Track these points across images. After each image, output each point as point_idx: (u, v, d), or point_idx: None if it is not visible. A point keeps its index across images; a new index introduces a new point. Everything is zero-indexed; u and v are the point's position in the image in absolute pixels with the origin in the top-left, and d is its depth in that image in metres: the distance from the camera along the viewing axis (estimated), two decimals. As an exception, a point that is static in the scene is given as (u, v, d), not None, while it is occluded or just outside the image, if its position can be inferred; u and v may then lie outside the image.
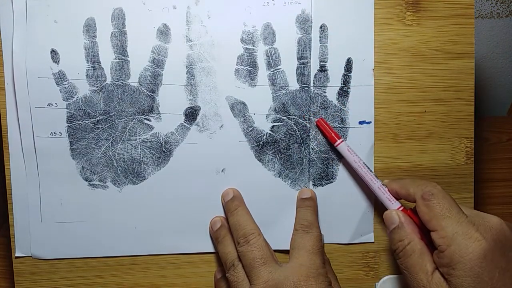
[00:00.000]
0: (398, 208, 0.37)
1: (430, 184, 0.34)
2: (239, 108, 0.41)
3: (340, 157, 0.42)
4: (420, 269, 0.33)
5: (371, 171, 0.39)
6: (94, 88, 0.40)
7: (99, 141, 0.41)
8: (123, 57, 0.40)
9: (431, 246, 0.33)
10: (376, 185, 0.38)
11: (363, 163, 0.39)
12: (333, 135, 0.40)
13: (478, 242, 0.30)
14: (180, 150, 0.41)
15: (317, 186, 0.42)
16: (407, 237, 0.34)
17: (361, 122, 0.42)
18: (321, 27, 0.41)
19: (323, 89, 0.41)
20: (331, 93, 0.41)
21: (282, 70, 0.41)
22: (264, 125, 0.41)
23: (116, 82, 0.40)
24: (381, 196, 0.38)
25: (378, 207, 0.42)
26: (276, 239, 0.41)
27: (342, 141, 0.40)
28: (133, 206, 0.41)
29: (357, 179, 0.42)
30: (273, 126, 0.41)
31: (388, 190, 0.37)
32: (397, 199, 0.37)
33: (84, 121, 0.40)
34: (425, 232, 0.34)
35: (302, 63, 0.41)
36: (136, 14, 0.40)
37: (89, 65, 0.40)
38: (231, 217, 0.40)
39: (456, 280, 0.30)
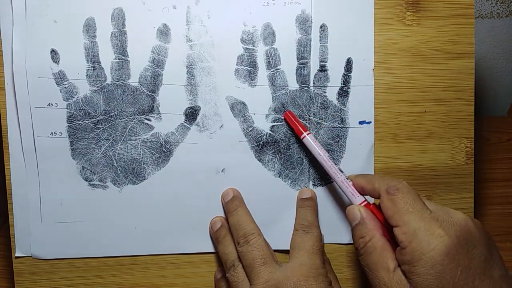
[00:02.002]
0: (361, 203, 0.36)
1: (396, 179, 0.34)
2: (239, 108, 0.41)
3: (340, 157, 0.42)
4: (381, 267, 0.31)
5: (336, 164, 0.38)
6: (94, 88, 0.40)
7: (99, 141, 0.41)
8: (123, 57, 0.40)
9: (395, 243, 0.32)
10: (340, 178, 0.37)
11: (328, 156, 0.38)
12: (299, 127, 0.40)
13: (440, 238, 0.29)
14: (180, 150, 0.41)
15: (317, 186, 0.42)
16: (368, 234, 0.33)
17: (361, 122, 0.42)
18: (321, 27, 0.41)
19: (323, 89, 0.41)
20: (331, 93, 0.41)
21: (282, 70, 0.41)
22: (264, 125, 0.41)
23: (116, 82, 0.40)
24: (345, 190, 0.37)
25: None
26: (276, 239, 0.41)
27: (309, 133, 0.39)
28: (133, 206, 0.41)
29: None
30: (273, 126, 0.41)
31: (353, 185, 0.37)
32: (362, 195, 0.36)
33: (84, 121, 0.40)
34: (388, 229, 0.33)
35: (302, 63, 0.41)
36: (136, 14, 0.40)
37: (89, 65, 0.40)
38: (231, 217, 0.40)
39: (417, 278, 0.29)
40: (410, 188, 0.33)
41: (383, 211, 0.33)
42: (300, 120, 0.41)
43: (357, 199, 0.36)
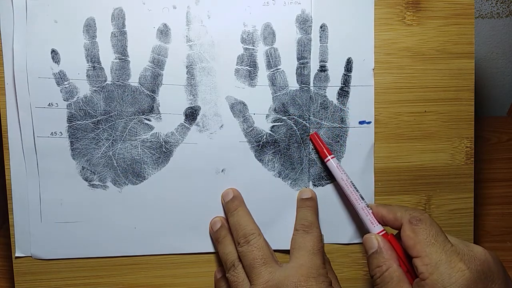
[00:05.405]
0: (379, 232, 0.36)
1: (418, 210, 0.34)
2: (239, 108, 0.41)
3: (340, 157, 0.42)
4: None
5: (357, 191, 0.38)
6: (94, 88, 0.40)
7: (99, 141, 0.41)
8: (123, 57, 0.40)
9: (411, 275, 0.33)
10: (361, 205, 0.38)
11: (351, 182, 0.39)
12: (324, 150, 0.40)
13: (461, 272, 0.30)
14: (180, 150, 0.41)
15: (317, 186, 0.42)
16: (386, 263, 0.33)
17: (361, 122, 0.42)
18: (321, 27, 0.41)
19: (323, 89, 0.41)
20: (331, 93, 0.41)
21: (282, 70, 0.41)
22: (264, 125, 0.41)
23: (116, 82, 0.40)
24: (364, 218, 0.37)
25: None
26: (276, 239, 0.41)
27: (333, 157, 0.40)
28: (133, 206, 0.41)
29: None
30: (273, 126, 0.41)
31: (373, 213, 0.37)
32: (381, 225, 0.37)
33: (84, 121, 0.40)
34: (405, 260, 0.34)
35: (302, 63, 0.41)
36: (136, 14, 0.40)
37: (89, 65, 0.40)
38: (231, 217, 0.40)
39: None
40: (432, 220, 0.33)
41: (404, 241, 0.33)
42: (300, 120, 0.41)
43: (376, 227, 0.36)
